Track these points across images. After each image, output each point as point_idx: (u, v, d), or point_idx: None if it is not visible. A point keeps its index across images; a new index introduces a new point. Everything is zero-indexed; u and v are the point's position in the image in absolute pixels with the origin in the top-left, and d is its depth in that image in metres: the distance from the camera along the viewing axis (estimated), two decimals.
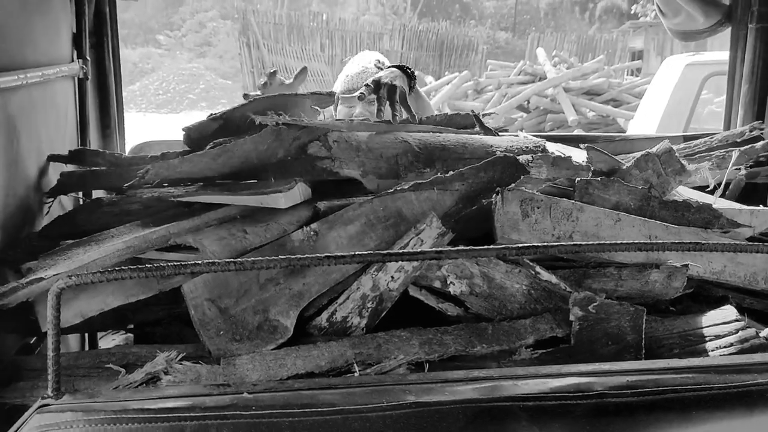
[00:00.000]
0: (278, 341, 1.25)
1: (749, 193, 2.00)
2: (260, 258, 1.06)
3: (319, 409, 1.01)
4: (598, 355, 1.32)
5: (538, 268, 1.41)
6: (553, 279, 1.41)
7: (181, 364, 1.18)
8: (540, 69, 11.62)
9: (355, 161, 1.48)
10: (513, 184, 1.41)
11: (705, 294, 1.62)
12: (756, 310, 1.63)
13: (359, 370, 1.17)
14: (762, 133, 1.95)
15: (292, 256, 1.04)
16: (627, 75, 14.20)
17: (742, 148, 1.85)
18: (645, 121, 5.49)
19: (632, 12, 20.30)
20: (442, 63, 18.31)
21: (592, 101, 10.86)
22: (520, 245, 1.10)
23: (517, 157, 1.48)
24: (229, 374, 1.17)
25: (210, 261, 1.02)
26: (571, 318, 1.33)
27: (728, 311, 1.40)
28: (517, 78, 11.55)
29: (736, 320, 1.36)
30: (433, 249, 1.18)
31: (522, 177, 1.43)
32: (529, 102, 11.03)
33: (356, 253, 1.06)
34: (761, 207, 1.73)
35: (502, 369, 1.18)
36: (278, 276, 1.28)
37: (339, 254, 1.06)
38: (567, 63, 12.53)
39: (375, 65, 2.55)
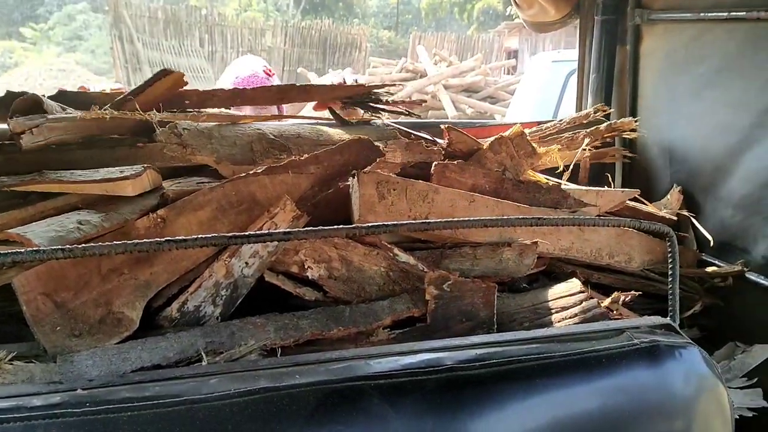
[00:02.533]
0: (123, 334, 1.18)
1: (597, 174, 2.12)
2: (93, 245, 1.00)
3: (163, 401, 0.96)
4: (454, 332, 1.35)
5: (396, 250, 1.42)
6: (411, 260, 1.42)
7: (11, 364, 1.08)
8: (421, 67, 11.86)
9: (207, 148, 1.43)
10: (369, 167, 1.41)
11: (557, 271, 1.70)
12: (603, 284, 1.73)
13: (209, 360, 1.13)
14: (607, 115, 2.07)
15: (129, 242, 0.99)
16: (503, 73, 14.77)
17: (588, 130, 1.95)
18: (517, 115, 5.73)
19: (507, 14, 21.19)
20: (325, 60, 18.26)
21: (471, 98, 11.22)
22: (370, 224, 1.10)
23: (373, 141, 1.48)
24: (65, 372, 1.09)
25: (34, 249, 0.95)
26: (427, 297, 1.35)
27: (573, 284, 1.47)
28: (399, 75, 11.73)
29: (580, 292, 1.43)
30: (281, 230, 1.16)
31: (377, 160, 1.44)
32: (410, 98, 11.22)
33: (198, 237, 1.02)
34: (606, 188, 1.84)
35: (355, 350, 1.18)
36: (122, 266, 1.21)
37: (180, 238, 1.01)
38: (447, 61, 12.85)
39: (264, 71, 2.83)
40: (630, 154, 2.11)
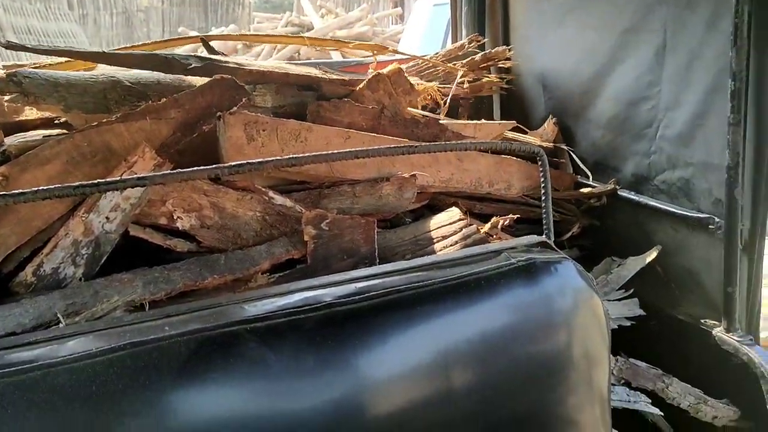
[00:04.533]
0: None
1: (477, 106, 2.13)
2: None
3: (15, 368, 0.88)
4: (335, 270, 1.32)
5: (271, 193, 1.37)
6: (288, 202, 1.38)
7: None
8: (307, 20, 11.58)
9: (54, 97, 1.30)
10: (235, 108, 1.34)
11: (440, 204, 1.70)
12: (487, 214, 1.75)
13: (68, 322, 1.05)
14: (482, 47, 2.07)
15: None
16: (391, 23, 14.69)
17: (464, 61, 1.95)
18: None
19: None
20: (207, 19, 17.48)
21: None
22: (233, 164, 1.04)
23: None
24: None
25: None
26: (306, 238, 1.31)
27: (453, 212, 1.47)
28: (285, 30, 11.42)
29: (460, 220, 1.43)
30: (135, 176, 1.08)
31: (243, 100, 1.37)
32: (299, 53, 10.97)
33: (39, 189, 0.93)
34: (484, 120, 1.85)
35: (230, 295, 1.13)
36: None
37: (17, 191, 0.92)
38: (333, 13, 12.62)
39: None
40: (506, 86, 2.13)
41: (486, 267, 1.17)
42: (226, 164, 1.07)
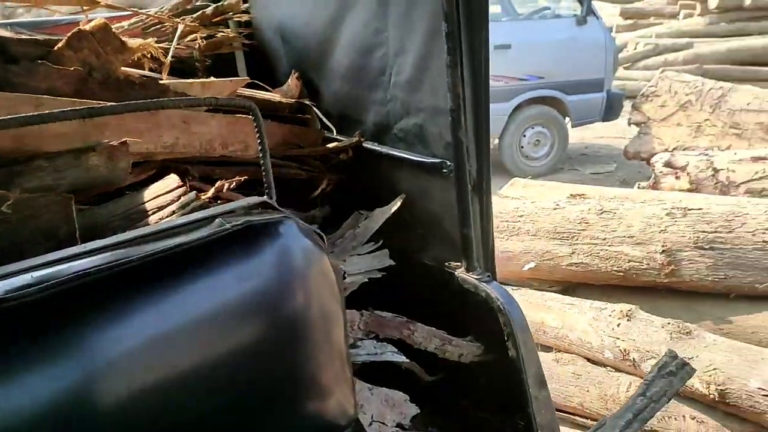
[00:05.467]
0: None
1: (219, 65, 1.99)
2: None
3: None
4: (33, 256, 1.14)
5: None
6: None
7: None
8: None
9: None
10: None
11: (174, 173, 1.56)
12: (228, 179, 1.64)
13: None
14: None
15: None
16: None
17: (194, 16, 1.80)
18: None
19: None
20: None
21: None
22: None
23: None
24: None
25: None
26: None
27: (169, 180, 1.34)
28: None
29: (178, 187, 1.31)
30: None
31: None
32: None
33: None
34: (213, 78, 1.72)
35: None
36: None
37: None
38: None
39: None
40: (247, 41, 2.01)
41: (197, 236, 1.07)
42: None
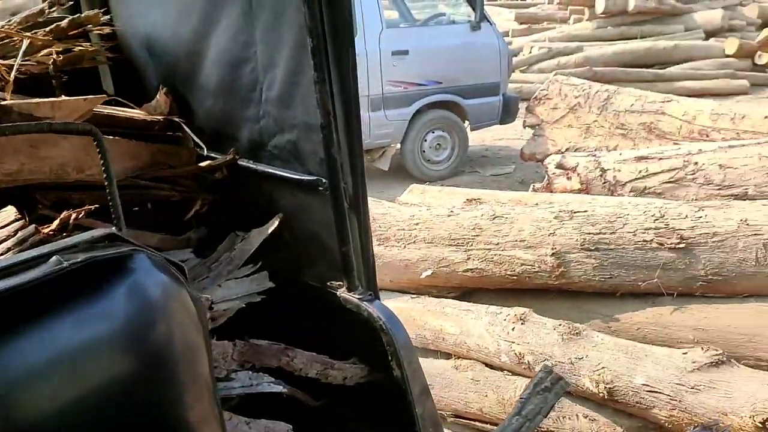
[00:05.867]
0: None
1: (81, 82, 1.85)
2: None
3: None
4: None
5: None
6: None
7: None
8: None
9: None
10: None
11: (22, 201, 1.42)
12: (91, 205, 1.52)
13: None
14: (77, 11, 1.79)
15: None
16: None
17: (47, 29, 1.66)
18: None
19: None
20: None
21: None
22: None
23: None
24: None
25: None
26: None
27: (8, 212, 1.21)
28: None
29: (16, 220, 1.18)
30: None
31: None
32: None
33: None
34: (64, 97, 1.59)
35: None
36: None
37: None
38: None
39: None
40: (111, 54, 1.88)
41: (29, 277, 0.95)
42: None
